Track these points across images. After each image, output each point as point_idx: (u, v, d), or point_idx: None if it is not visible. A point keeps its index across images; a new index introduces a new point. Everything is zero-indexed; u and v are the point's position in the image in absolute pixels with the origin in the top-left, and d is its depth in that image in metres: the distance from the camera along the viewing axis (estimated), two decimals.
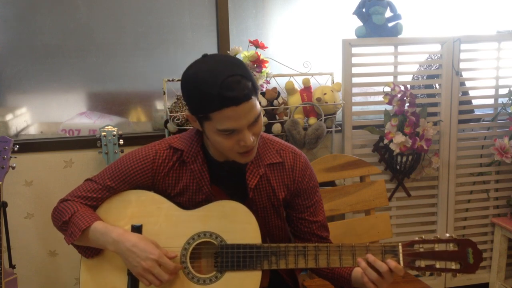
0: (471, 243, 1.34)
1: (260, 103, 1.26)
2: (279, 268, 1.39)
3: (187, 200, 1.46)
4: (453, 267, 1.34)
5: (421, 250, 1.34)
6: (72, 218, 1.40)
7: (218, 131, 1.28)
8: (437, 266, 1.33)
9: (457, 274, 1.34)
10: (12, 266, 2.12)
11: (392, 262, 1.32)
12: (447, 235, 1.36)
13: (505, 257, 2.78)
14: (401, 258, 1.34)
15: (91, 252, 1.44)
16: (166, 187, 1.47)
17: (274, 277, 1.52)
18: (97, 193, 1.45)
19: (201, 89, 1.24)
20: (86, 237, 1.39)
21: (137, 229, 1.41)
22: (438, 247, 1.34)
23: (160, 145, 1.47)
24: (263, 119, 2.35)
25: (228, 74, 1.23)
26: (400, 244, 1.35)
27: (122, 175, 1.45)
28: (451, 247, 1.34)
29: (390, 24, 2.55)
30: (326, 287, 1.98)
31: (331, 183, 2.40)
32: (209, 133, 1.32)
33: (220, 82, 1.22)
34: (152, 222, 1.43)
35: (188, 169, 1.45)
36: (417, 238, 1.36)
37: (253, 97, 1.27)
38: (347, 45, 2.53)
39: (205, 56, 1.32)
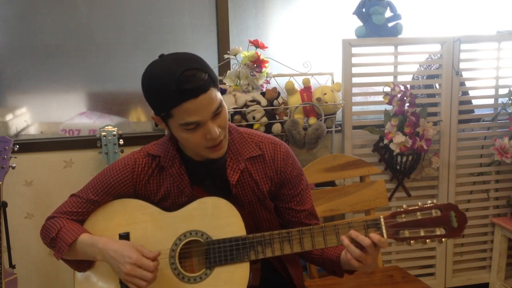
0: (453, 207, 1.32)
1: (221, 94, 1.23)
2: (266, 257, 1.39)
3: (170, 204, 1.47)
4: (438, 233, 1.31)
5: (404, 220, 1.32)
6: (59, 234, 1.42)
7: (182, 127, 1.30)
8: (422, 234, 1.31)
9: (443, 240, 1.32)
10: (12, 266, 2.12)
11: (375, 236, 1.30)
12: (429, 202, 1.34)
13: (505, 257, 2.78)
14: (384, 231, 1.32)
15: (83, 265, 1.45)
16: (148, 194, 1.48)
17: (266, 274, 1.51)
18: (82, 208, 1.47)
19: (159, 87, 1.28)
20: (74, 250, 1.41)
21: (124, 237, 1.42)
22: (420, 215, 1.32)
23: (139, 153, 1.49)
24: (263, 119, 2.35)
25: (183, 69, 1.25)
26: (381, 216, 1.34)
27: (104, 187, 1.47)
28: (434, 213, 1.32)
29: (390, 24, 2.55)
30: (326, 287, 1.99)
31: (331, 183, 2.40)
32: (175, 131, 1.34)
33: (176, 77, 1.24)
34: (138, 229, 1.44)
35: (168, 174, 1.46)
36: (398, 209, 1.34)
37: (211, 88, 1.28)
38: (347, 45, 2.53)
39: (161, 56, 1.35)
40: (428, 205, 1.33)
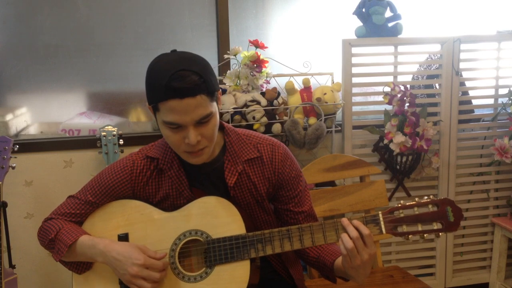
0: (450, 202, 1.35)
1: (222, 105, 1.22)
2: (266, 254, 1.39)
3: (169, 205, 1.47)
4: (435, 227, 1.35)
5: (402, 215, 1.35)
6: (58, 235, 1.42)
7: (164, 123, 1.31)
8: (420, 229, 1.35)
9: (440, 234, 1.35)
10: (12, 266, 2.12)
11: (364, 228, 1.32)
12: (425, 197, 1.37)
13: (505, 257, 2.78)
14: (382, 226, 1.35)
15: (82, 267, 1.45)
16: (147, 196, 1.48)
17: (266, 274, 1.51)
18: (80, 209, 1.47)
19: (153, 78, 1.29)
20: (74, 252, 1.41)
21: (123, 238, 1.42)
22: (418, 210, 1.35)
23: (137, 155, 1.49)
24: (263, 119, 2.35)
25: (181, 68, 1.25)
26: (380, 212, 1.36)
27: (102, 189, 1.47)
28: (431, 208, 1.35)
29: (390, 24, 2.55)
30: (326, 287, 1.98)
31: (331, 183, 2.40)
32: (160, 126, 1.35)
33: (170, 73, 1.24)
34: (137, 229, 1.44)
35: (167, 176, 1.46)
36: (396, 205, 1.37)
37: (202, 95, 1.27)
38: (347, 45, 2.53)
39: (173, 51, 1.34)
40: (425, 200, 1.36)
